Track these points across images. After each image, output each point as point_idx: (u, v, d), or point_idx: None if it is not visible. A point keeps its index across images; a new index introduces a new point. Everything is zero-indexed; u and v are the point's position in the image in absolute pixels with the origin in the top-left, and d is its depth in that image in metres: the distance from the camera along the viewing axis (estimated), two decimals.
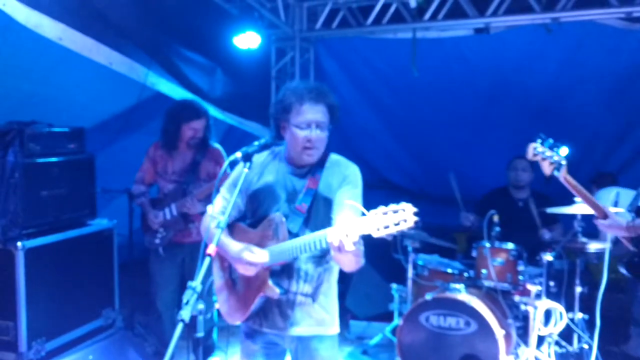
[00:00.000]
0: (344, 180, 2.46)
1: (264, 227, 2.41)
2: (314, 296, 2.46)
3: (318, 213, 2.42)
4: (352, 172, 2.51)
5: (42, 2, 3.60)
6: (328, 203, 2.43)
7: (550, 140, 2.96)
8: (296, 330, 2.46)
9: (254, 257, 2.31)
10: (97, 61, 4.07)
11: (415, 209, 1.93)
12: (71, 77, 4.43)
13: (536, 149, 2.99)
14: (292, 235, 2.34)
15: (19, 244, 3.71)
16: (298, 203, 2.40)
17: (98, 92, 4.76)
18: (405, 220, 1.91)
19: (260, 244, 2.38)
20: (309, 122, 2.36)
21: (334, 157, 2.54)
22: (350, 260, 2.20)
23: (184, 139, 4.14)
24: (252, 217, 2.52)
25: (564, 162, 2.96)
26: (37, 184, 3.95)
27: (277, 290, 2.34)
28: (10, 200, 3.79)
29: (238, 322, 2.52)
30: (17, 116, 4.04)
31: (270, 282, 2.33)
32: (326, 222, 2.37)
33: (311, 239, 2.20)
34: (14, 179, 3.80)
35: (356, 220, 2.02)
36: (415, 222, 1.91)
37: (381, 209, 1.95)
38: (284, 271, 2.40)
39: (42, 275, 3.87)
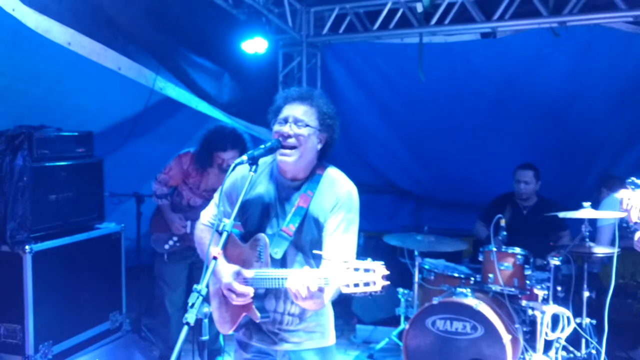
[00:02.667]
0: (337, 203, 2.32)
1: (252, 245, 2.35)
2: (301, 316, 2.41)
3: (307, 235, 2.34)
4: (346, 194, 2.35)
5: (52, 7, 3.62)
6: (318, 224, 2.33)
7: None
8: (285, 346, 2.43)
9: (240, 287, 2.27)
10: (106, 66, 4.08)
11: (386, 272, 1.89)
12: (80, 82, 4.46)
13: (630, 199, 2.56)
14: (274, 261, 2.29)
15: (27, 247, 3.74)
16: (285, 224, 2.31)
17: (107, 96, 4.79)
18: (374, 283, 1.87)
19: (248, 262, 2.35)
20: (286, 117, 2.31)
21: (331, 172, 2.42)
22: (308, 304, 2.13)
23: (215, 163, 4.13)
24: (243, 228, 2.46)
25: None
26: (46, 188, 3.99)
27: (258, 315, 2.30)
28: (19, 203, 3.82)
29: (227, 332, 2.48)
30: (27, 120, 4.07)
31: (253, 306, 2.30)
32: (316, 244, 2.31)
33: (278, 275, 2.19)
34: (23, 182, 3.83)
35: (315, 272, 1.99)
36: (383, 287, 1.88)
37: (353, 263, 1.91)
38: (271, 291, 2.35)
39: (50, 278, 3.90)
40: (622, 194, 2.58)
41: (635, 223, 2.35)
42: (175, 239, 4.23)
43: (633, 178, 2.58)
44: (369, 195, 6.61)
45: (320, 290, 2.02)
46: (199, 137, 4.17)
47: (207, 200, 4.18)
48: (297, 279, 2.03)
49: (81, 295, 4.16)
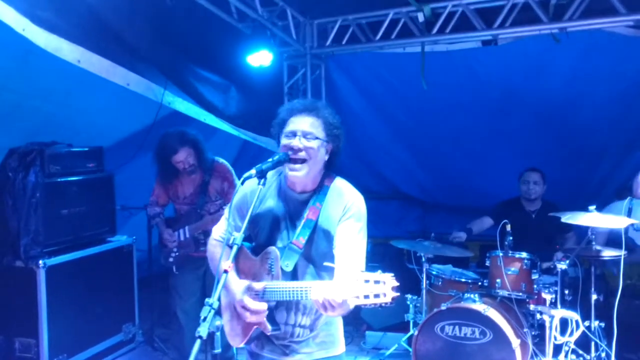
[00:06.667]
0: (345, 212, 2.33)
1: (263, 258, 2.36)
2: (312, 327, 2.43)
3: (318, 247, 2.34)
4: (354, 203, 2.35)
5: (61, 26, 3.68)
6: (328, 236, 2.33)
7: None
8: (296, 357, 2.45)
9: (253, 304, 2.28)
10: (115, 82, 4.16)
11: (396, 284, 1.89)
12: (90, 98, 4.54)
13: None
14: (285, 274, 2.29)
15: (40, 262, 3.81)
16: (295, 237, 2.32)
17: (116, 112, 4.87)
18: (384, 294, 1.87)
19: (258, 276, 2.37)
20: (295, 130, 2.30)
21: (339, 184, 2.42)
22: (337, 313, 2.10)
23: (179, 169, 4.20)
24: (255, 241, 2.48)
25: None
26: (58, 203, 4.06)
27: (269, 327, 2.31)
28: (32, 219, 3.89)
29: (238, 345, 2.48)
30: (38, 137, 4.15)
31: (264, 318, 2.31)
32: (327, 256, 2.32)
33: (298, 287, 2.20)
34: (35, 198, 3.90)
35: (340, 286, 1.98)
36: (393, 299, 1.89)
37: (363, 275, 1.91)
38: (282, 304, 2.36)
39: (64, 292, 3.96)
40: None
41: None
42: (175, 250, 4.28)
43: None
44: (376, 202, 6.66)
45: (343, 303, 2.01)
46: (152, 156, 4.24)
47: (190, 206, 4.27)
48: (321, 292, 2.02)
49: (94, 307, 4.21)
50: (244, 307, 2.30)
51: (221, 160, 4.37)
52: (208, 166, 4.27)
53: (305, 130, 2.31)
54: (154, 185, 4.44)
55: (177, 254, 4.26)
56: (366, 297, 1.90)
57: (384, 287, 1.88)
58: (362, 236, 2.35)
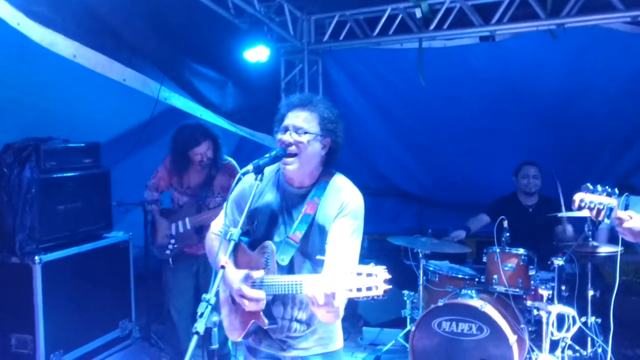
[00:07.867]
0: (341, 210, 2.32)
1: (260, 252, 2.38)
2: (309, 322, 2.43)
3: (314, 242, 2.34)
4: (351, 201, 2.35)
5: (56, 21, 3.66)
6: (323, 232, 2.34)
7: (599, 188, 2.59)
8: (294, 352, 2.45)
9: (251, 292, 2.26)
10: (111, 77, 4.14)
11: (388, 276, 1.88)
12: (86, 94, 4.51)
13: (583, 200, 2.58)
14: (281, 268, 2.30)
15: (36, 258, 3.81)
16: (292, 232, 2.33)
17: (112, 107, 4.85)
18: (376, 287, 1.87)
19: (256, 270, 2.35)
20: (287, 125, 2.34)
21: (338, 180, 2.43)
22: (323, 314, 2.08)
23: (194, 161, 4.16)
24: (252, 235, 2.48)
25: (614, 204, 2.56)
26: (54, 199, 4.05)
27: (266, 322, 2.31)
28: (28, 215, 3.88)
29: (237, 339, 2.49)
30: (34, 133, 4.13)
31: (260, 313, 2.31)
32: (323, 251, 2.31)
33: (291, 281, 2.20)
34: (31, 194, 3.89)
35: (332, 278, 1.97)
36: (385, 291, 1.87)
37: (356, 268, 1.90)
38: (279, 298, 2.36)
39: (60, 288, 3.95)
40: (577, 198, 2.60)
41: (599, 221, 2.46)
42: (172, 242, 4.22)
43: (589, 184, 2.59)
44: (372, 198, 6.65)
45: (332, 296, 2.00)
46: (168, 143, 4.18)
47: (191, 197, 4.23)
48: (313, 285, 2.02)
49: (91, 303, 4.21)
50: (242, 296, 2.28)
51: (229, 158, 4.35)
52: (221, 163, 4.25)
53: (296, 125, 2.33)
54: (158, 168, 4.33)
55: (175, 246, 4.23)
56: (359, 290, 1.89)
57: (376, 279, 1.88)
58: (356, 236, 2.33)
